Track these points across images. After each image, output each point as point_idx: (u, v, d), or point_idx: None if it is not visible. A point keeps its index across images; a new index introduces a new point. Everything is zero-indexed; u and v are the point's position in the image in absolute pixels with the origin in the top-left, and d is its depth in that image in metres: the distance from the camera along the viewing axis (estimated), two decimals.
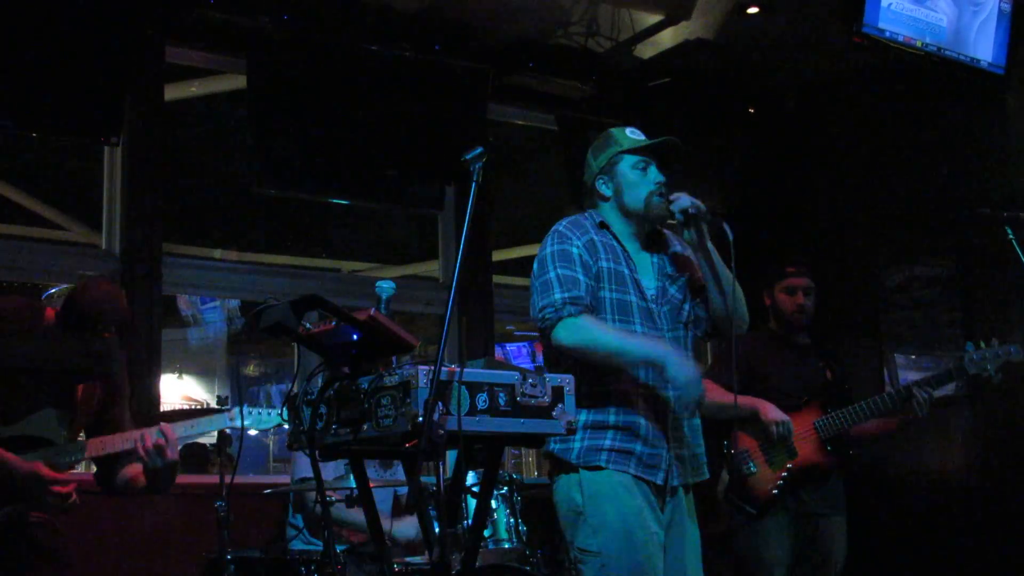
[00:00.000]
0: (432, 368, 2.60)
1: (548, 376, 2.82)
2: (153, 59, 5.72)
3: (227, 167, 7.62)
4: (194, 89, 6.71)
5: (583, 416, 3.23)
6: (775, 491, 4.67)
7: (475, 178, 2.92)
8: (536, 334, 8.09)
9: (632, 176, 3.44)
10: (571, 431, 2.84)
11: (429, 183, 6.46)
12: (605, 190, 3.48)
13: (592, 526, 3.27)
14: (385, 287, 2.91)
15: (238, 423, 3.78)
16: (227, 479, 4.13)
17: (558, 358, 3.30)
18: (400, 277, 7.69)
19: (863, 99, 6.83)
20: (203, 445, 8.81)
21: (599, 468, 3.27)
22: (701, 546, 3.44)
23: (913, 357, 6.68)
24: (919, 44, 5.76)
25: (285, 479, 5.74)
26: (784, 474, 4.68)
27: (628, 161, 3.46)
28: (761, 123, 7.30)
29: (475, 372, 2.72)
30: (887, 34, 5.64)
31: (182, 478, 7.65)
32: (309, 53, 5.91)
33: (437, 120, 6.23)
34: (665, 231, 3.58)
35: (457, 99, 6.33)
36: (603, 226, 3.46)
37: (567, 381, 2.84)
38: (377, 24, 6.02)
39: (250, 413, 3.81)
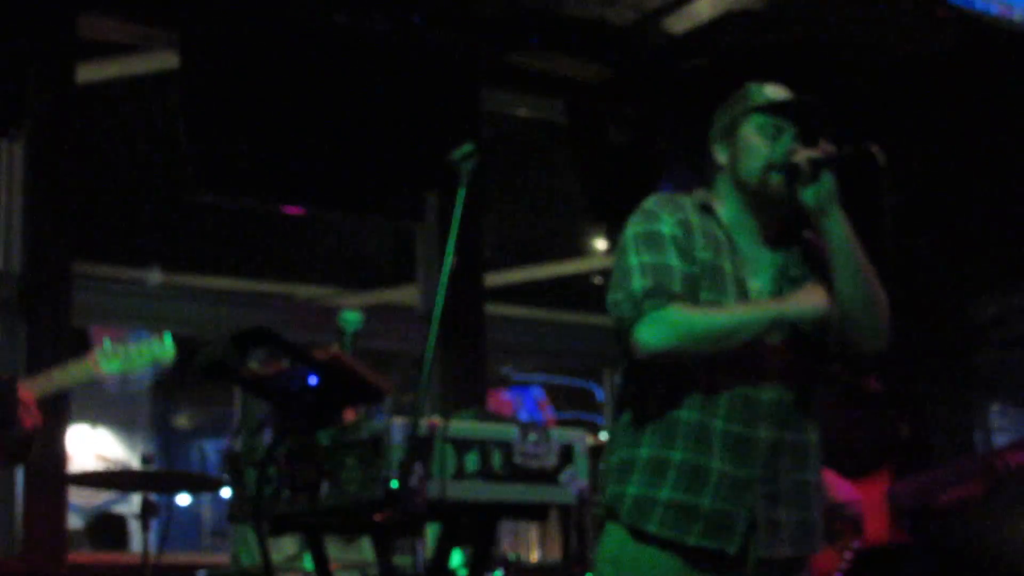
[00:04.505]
0: (409, 420, 2.59)
1: (554, 432, 2.81)
2: (63, 32, 5.74)
3: (154, 167, 7.63)
4: (114, 69, 6.73)
5: (643, 450, 3.12)
6: None
7: (463, 182, 2.91)
8: (543, 377, 8.11)
9: (754, 140, 3.22)
10: (583, 500, 2.82)
11: (406, 188, 6.48)
12: (721, 156, 3.29)
13: None
14: (350, 319, 2.91)
15: (105, 368, 3.86)
16: (151, 558, 4.12)
17: (638, 370, 3.13)
18: (369, 306, 7.69)
19: (947, 85, 6.86)
20: (121, 516, 8.79)
21: (646, 540, 3.06)
22: None
23: (1011, 408, 6.68)
24: (1017, 17, 5.78)
25: (223, 558, 5.73)
26: (848, 556, 4.67)
27: (755, 121, 3.24)
28: None
29: (463, 426, 2.72)
30: (977, 5, 5.66)
31: (95, 557, 7.69)
32: (258, 25, 5.93)
33: (417, 110, 6.26)
34: (806, 230, 3.35)
35: (442, 84, 6.36)
36: (706, 208, 3.26)
37: (578, 439, 2.84)
38: None
39: (118, 352, 3.90)
